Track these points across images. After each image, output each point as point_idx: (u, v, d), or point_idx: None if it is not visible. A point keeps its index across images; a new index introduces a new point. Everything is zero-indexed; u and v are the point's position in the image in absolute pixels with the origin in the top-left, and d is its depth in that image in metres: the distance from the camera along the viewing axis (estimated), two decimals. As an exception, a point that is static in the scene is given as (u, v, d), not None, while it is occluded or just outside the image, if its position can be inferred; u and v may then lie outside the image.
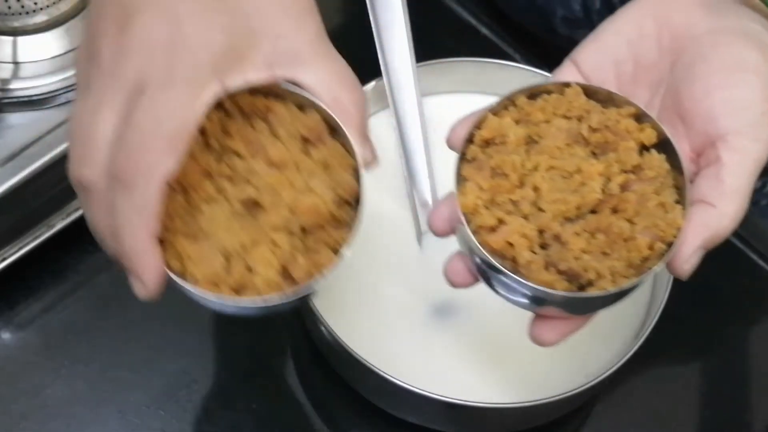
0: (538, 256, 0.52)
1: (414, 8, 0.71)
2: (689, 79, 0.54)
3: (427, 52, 0.72)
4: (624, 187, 0.53)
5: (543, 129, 0.54)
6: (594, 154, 0.54)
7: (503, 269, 0.51)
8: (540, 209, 0.53)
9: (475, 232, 0.52)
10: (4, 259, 0.71)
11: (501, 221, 0.52)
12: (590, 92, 0.55)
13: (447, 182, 0.71)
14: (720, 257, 0.77)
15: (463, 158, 0.55)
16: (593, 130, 0.54)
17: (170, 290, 0.74)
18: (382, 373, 0.62)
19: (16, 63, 0.71)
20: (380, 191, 0.72)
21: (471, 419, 0.66)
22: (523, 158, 0.53)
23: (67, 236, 0.72)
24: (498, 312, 0.69)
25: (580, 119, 0.55)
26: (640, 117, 0.54)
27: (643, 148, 0.54)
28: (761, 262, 0.77)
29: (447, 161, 0.72)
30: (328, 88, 0.53)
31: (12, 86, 0.70)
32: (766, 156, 0.53)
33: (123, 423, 0.69)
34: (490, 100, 0.56)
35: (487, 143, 0.55)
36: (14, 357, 0.71)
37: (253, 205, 0.52)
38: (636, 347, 0.64)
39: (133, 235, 0.48)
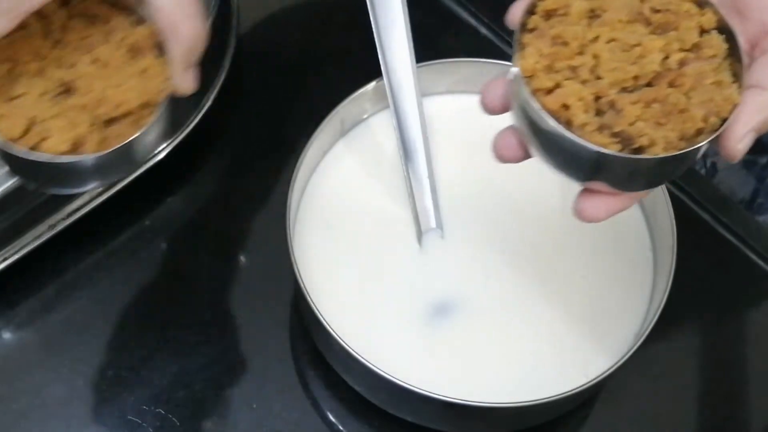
0: (593, 119, 0.52)
1: (414, 8, 0.71)
2: None
3: (427, 52, 0.72)
4: (682, 64, 0.54)
5: (606, 3, 0.55)
6: (654, 34, 0.55)
7: (557, 126, 0.51)
8: (598, 77, 0.53)
9: (531, 94, 0.53)
10: (4, 259, 0.71)
11: (558, 85, 0.53)
12: None
13: (447, 182, 0.72)
14: (719, 256, 0.78)
15: (523, 28, 0.55)
16: (655, 10, 0.55)
17: (170, 292, 0.74)
18: (381, 373, 0.62)
19: (15, 63, 0.71)
20: (380, 191, 0.72)
21: (470, 419, 0.66)
22: (585, 29, 0.54)
23: (67, 236, 0.72)
24: (498, 312, 0.69)
25: (642, 0, 0.55)
26: (700, 3, 0.55)
27: (703, 32, 0.55)
28: (760, 262, 0.77)
29: (447, 161, 0.73)
30: (169, 10, 0.55)
31: (11, 86, 0.70)
32: None
33: (122, 422, 0.69)
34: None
35: (549, 15, 0.55)
36: (14, 356, 0.71)
37: (68, 90, 0.56)
38: (636, 347, 0.64)
39: None
